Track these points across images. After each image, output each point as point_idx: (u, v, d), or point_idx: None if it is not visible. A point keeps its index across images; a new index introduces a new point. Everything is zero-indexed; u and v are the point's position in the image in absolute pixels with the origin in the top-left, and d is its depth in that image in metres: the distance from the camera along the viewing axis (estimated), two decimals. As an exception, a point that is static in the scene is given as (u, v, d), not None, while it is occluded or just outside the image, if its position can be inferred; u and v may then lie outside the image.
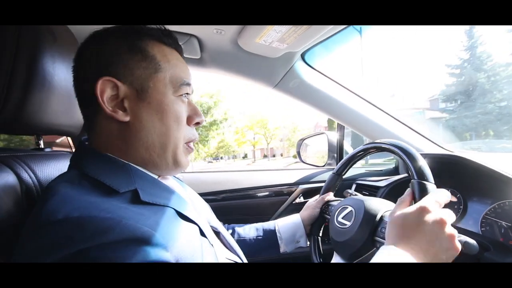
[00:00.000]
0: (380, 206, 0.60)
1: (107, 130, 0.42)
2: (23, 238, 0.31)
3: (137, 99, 0.42)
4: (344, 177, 0.78)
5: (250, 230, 0.75)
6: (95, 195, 0.35)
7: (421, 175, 0.49)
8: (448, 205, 0.76)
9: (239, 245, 0.70)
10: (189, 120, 0.47)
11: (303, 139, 1.38)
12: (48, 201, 0.32)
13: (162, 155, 0.44)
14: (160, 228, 0.33)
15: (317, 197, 0.81)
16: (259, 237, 0.74)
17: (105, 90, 0.40)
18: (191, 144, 0.49)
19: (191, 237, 0.40)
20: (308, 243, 0.76)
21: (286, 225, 0.76)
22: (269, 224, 0.77)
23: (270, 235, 0.74)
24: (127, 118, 0.41)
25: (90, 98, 0.41)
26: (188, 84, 0.46)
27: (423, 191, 0.47)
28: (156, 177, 0.46)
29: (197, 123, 0.49)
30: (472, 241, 0.46)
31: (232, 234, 0.74)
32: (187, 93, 0.46)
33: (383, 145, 0.61)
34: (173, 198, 0.43)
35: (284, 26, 0.63)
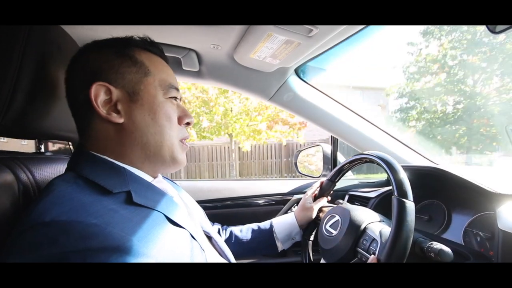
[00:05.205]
0: (364, 217, 0.62)
1: (103, 133, 0.45)
2: (12, 237, 0.33)
3: (129, 102, 0.44)
4: (338, 187, 0.81)
5: (247, 232, 0.78)
6: (88, 194, 0.37)
7: (401, 191, 0.51)
8: (434, 216, 0.78)
9: (237, 246, 0.73)
10: (179, 120, 0.50)
11: (300, 151, 1.42)
12: (40, 201, 0.34)
13: (158, 153, 0.47)
14: (145, 237, 0.35)
15: (309, 193, 0.84)
16: (256, 239, 0.77)
17: (99, 95, 0.43)
18: (185, 141, 0.52)
19: (178, 243, 0.41)
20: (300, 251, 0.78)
21: (282, 225, 0.79)
22: (265, 224, 0.80)
23: (267, 236, 0.78)
24: (121, 120, 0.44)
25: (85, 104, 0.43)
26: (176, 89, 0.50)
27: (402, 209, 0.49)
28: (150, 180, 0.48)
29: (188, 123, 0.52)
30: (446, 249, 0.48)
31: (230, 237, 0.77)
32: (175, 97, 0.50)
33: (370, 157, 0.64)
34: (165, 202, 0.44)
35: (275, 43, 0.68)
